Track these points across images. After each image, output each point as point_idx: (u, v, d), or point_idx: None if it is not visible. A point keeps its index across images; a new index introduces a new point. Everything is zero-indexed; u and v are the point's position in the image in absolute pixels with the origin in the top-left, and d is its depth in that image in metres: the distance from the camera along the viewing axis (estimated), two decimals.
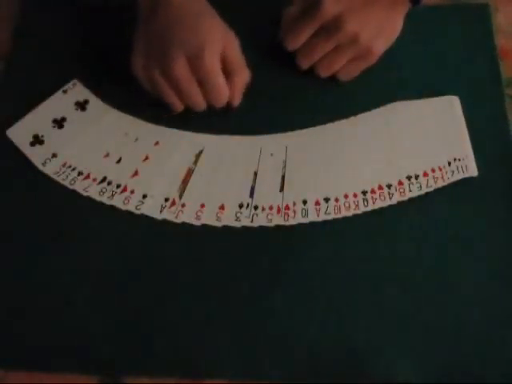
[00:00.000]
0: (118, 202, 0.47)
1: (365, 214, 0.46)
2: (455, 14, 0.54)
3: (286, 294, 0.44)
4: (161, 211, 0.47)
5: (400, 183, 0.47)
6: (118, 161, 0.49)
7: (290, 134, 0.50)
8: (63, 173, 0.48)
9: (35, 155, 0.49)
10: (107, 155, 0.49)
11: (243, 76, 0.48)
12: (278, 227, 0.46)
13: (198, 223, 0.46)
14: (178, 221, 0.46)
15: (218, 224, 0.46)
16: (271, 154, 0.49)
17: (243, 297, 0.44)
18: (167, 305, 0.44)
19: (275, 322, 0.43)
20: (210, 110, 0.50)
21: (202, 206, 0.47)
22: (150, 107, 0.51)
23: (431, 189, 0.46)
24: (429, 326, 0.42)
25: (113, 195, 0.47)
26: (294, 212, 0.46)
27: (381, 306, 0.43)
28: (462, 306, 0.43)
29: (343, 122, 0.50)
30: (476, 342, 0.42)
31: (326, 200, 0.46)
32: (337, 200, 0.46)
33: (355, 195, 0.46)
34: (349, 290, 0.44)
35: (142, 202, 0.47)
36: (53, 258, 0.46)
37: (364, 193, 0.46)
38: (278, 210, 0.46)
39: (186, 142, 0.49)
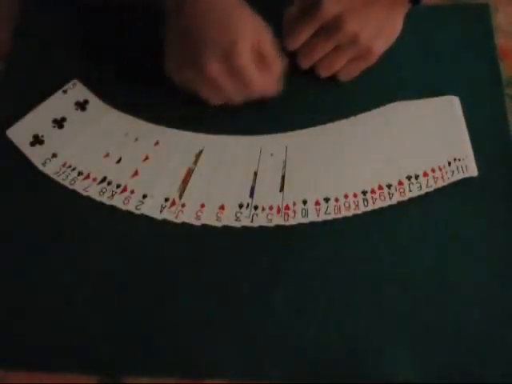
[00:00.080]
0: (118, 202, 0.47)
1: (365, 214, 0.46)
2: (455, 14, 0.54)
3: (285, 294, 0.44)
4: (161, 211, 0.47)
5: (400, 183, 0.47)
6: (118, 161, 0.49)
7: (290, 134, 0.50)
8: (63, 173, 0.48)
9: (35, 155, 0.49)
10: (107, 155, 0.49)
11: (277, 66, 0.47)
12: (278, 227, 0.46)
13: (197, 223, 0.46)
14: (178, 221, 0.46)
15: (218, 224, 0.46)
16: (271, 154, 0.49)
17: (243, 297, 0.44)
18: (167, 305, 0.44)
19: (275, 322, 0.43)
20: (209, 110, 0.50)
21: (202, 206, 0.47)
22: (150, 107, 0.51)
23: (431, 189, 0.46)
24: (429, 325, 0.42)
25: (113, 195, 0.47)
26: (294, 212, 0.46)
27: (381, 305, 0.43)
28: (462, 306, 0.43)
29: (343, 121, 0.50)
30: (476, 342, 0.42)
31: (326, 200, 0.46)
32: (337, 200, 0.46)
33: (355, 195, 0.46)
34: (349, 290, 0.44)
35: (142, 202, 0.47)
36: (53, 257, 0.46)
37: (364, 193, 0.46)
38: (278, 210, 0.46)
39: (186, 141, 0.49)
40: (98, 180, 0.48)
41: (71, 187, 0.48)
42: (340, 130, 0.50)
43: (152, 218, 0.47)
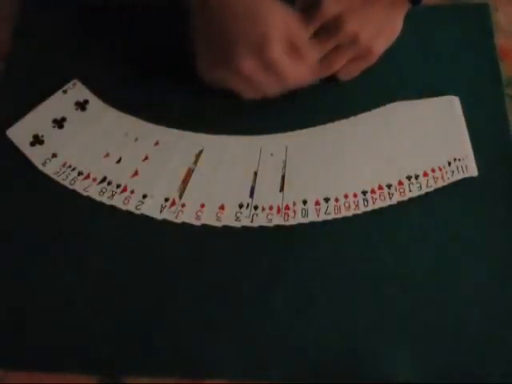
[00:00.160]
0: (118, 202, 0.47)
1: (365, 214, 0.46)
2: (455, 14, 0.54)
3: (285, 293, 0.44)
4: (161, 211, 0.47)
5: (400, 183, 0.47)
6: (118, 161, 0.49)
7: (289, 134, 0.50)
8: (63, 173, 0.48)
9: (35, 155, 0.49)
10: (107, 155, 0.49)
11: (310, 55, 0.46)
12: (278, 227, 0.46)
13: (198, 223, 0.46)
14: (178, 221, 0.46)
15: (218, 224, 0.46)
16: (271, 154, 0.49)
17: (243, 297, 0.44)
18: (167, 305, 0.44)
19: (275, 322, 0.43)
20: (209, 110, 0.50)
21: (202, 206, 0.47)
22: (150, 107, 0.51)
23: (431, 189, 0.46)
24: (429, 325, 0.42)
25: (113, 195, 0.47)
26: (294, 212, 0.46)
27: (381, 305, 0.43)
28: (462, 306, 0.43)
29: (343, 121, 0.50)
30: (476, 342, 0.42)
31: (326, 200, 0.46)
32: (337, 200, 0.46)
33: (355, 195, 0.46)
34: (349, 290, 0.44)
35: (142, 202, 0.47)
36: (53, 257, 0.46)
37: (364, 193, 0.46)
38: (278, 210, 0.46)
39: (186, 142, 0.49)
40: (98, 180, 0.48)
41: (71, 187, 0.48)
42: (340, 129, 0.50)
43: (152, 218, 0.47)
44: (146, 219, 0.46)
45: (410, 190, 0.46)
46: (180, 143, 0.49)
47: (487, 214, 0.46)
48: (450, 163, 0.47)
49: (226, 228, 0.46)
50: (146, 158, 0.49)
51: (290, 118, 0.50)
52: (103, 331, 0.43)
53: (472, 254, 0.45)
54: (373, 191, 0.46)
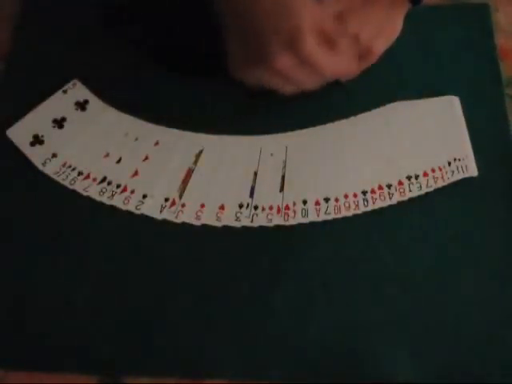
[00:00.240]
0: (118, 202, 0.47)
1: (365, 214, 0.46)
2: (455, 14, 0.54)
3: (285, 294, 0.44)
4: (161, 211, 0.47)
5: (400, 183, 0.47)
6: (118, 161, 0.49)
7: (290, 134, 0.50)
8: (63, 173, 0.48)
9: (35, 155, 0.49)
10: (107, 155, 0.49)
11: (345, 45, 0.45)
12: (278, 227, 0.46)
13: (198, 223, 0.46)
14: (178, 221, 0.46)
15: (218, 224, 0.46)
16: (271, 154, 0.49)
17: (243, 297, 0.44)
18: (167, 305, 0.44)
19: (275, 322, 0.43)
20: (209, 110, 0.50)
21: (202, 206, 0.47)
22: (150, 107, 0.51)
23: (431, 189, 0.46)
24: (429, 326, 0.42)
25: (113, 195, 0.47)
26: (294, 212, 0.46)
27: (381, 305, 0.43)
28: (462, 306, 0.43)
29: (343, 121, 0.50)
30: (476, 342, 0.42)
31: (326, 200, 0.46)
32: (337, 200, 0.46)
33: (355, 195, 0.46)
34: (349, 290, 0.44)
35: (142, 202, 0.47)
36: (53, 258, 0.46)
37: (364, 193, 0.46)
38: (278, 210, 0.46)
39: (186, 142, 0.49)
40: (98, 180, 0.48)
41: (71, 187, 0.48)
42: (340, 129, 0.50)
43: (152, 218, 0.47)
44: (146, 219, 0.46)
45: (410, 190, 0.46)
46: (180, 143, 0.49)
47: (487, 214, 0.46)
48: (450, 163, 0.47)
49: (225, 228, 0.46)
50: (146, 158, 0.49)
51: (290, 118, 0.50)
52: (103, 331, 0.43)
53: (472, 254, 0.45)
54: (373, 191, 0.46)
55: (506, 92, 0.51)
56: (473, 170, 0.47)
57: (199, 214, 0.46)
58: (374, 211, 0.46)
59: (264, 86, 0.47)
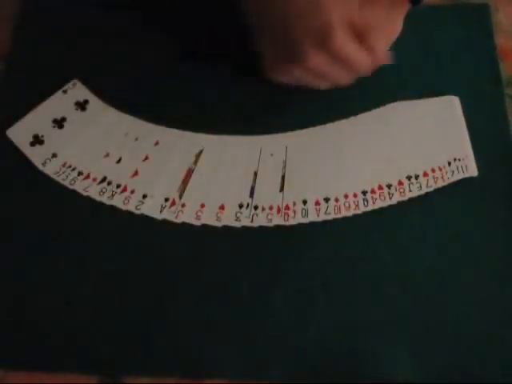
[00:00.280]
0: (118, 202, 0.47)
1: (365, 214, 0.46)
2: (455, 14, 0.54)
3: (285, 293, 0.44)
4: (161, 211, 0.47)
5: (400, 183, 0.47)
6: (118, 161, 0.49)
7: (290, 134, 0.50)
8: (63, 173, 0.48)
9: (35, 155, 0.49)
10: (107, 155, 0.49)
11: (377, 38, 0.44)
12: (278, 227, 0.46)
13: (198, 223, 0.46)
14: (178, 221, 0.46)
15: (218, 224, 0.46)
16: (271, 154, 0.49)
17: (243, 297, 0.44)
18: (167, 305, 0.44)
19: (275, 322, 0.43)
20: (209, 110, 0.50)
21: (202, 206, 0.47)
22: (150, 107, 0.51)
23: (431, 189, 0.46)
24: (429, 325, 0.42)
25: (113, 195, 0.47)
26: (294, 212, 0.46)
27: (381, 305, 0.43)
28: (462, 306, 0.43)
29: (343, 121, 0.50)
30: (476, 342, 0.42)
31: (326, 200, 0.46)
32: (337, 200, 0.46)
33: (355, 195, 0.46)
34: (349, 290, 0.44)
35: (142, 202, 0.47)
36: (53, 257, 0.46)
37: (364, 193, 0.46)
38: (278, 210, 0.46)
39: (186, 142, 0.49)
40: (98, 180, 0.48)
41: (71, 187, 0.48)
42: (340, 129, 0.50)
43: (152, 218, 0.46)
44: (146, 219, 0.46)
45: (410, 190, 0.46)
46: (180, 143, 0.49)
47: (487, 214, 0.46)
48: (450, 163, 0.47)
49: (225, 228, 0.46)
50: (146, 158, 0.49)
51: (290, 118, 0.50)
52: (103, 331, 0.43)
53: (472, 254, 0.45)
54: (373, 191, 0.46)
55: (506, 92, 0.51)
56: (473, 170, 0.47)
57: (199, 213, 0.46)
58: (374, 211, 0.46)
59: (299, 84, 0.47)
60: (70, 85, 0.52)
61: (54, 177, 0.48)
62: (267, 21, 0.44)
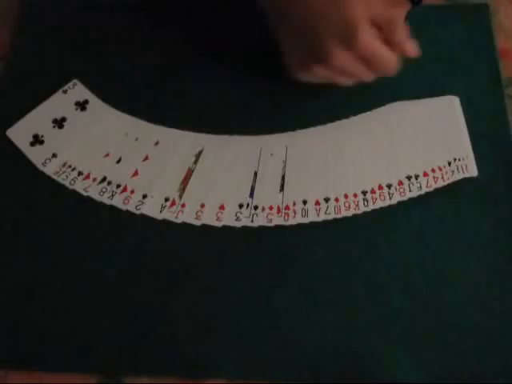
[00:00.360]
0: (117, 202, 0.47)
1: (365, 213, 0.46)
2: (455, 14, 0.54)
3: (285, 293, 0.44)
4: (161, 211, 0.47)
5: (400, 183, 0.47)
6: (118, 161, 0.49)
7: (290, 133, 0.50)
8: (63, 173, 0.48)
9: (35, 155, 0.49)
10: (107, 155, 0.49)
11: (401, 32, 0.44)
12: (278, 227, 0.46)
13: (198, 223, 0.46)
14: (178, 221, 0.46)
15: (218, 224, 0.46)
16: (271, 154, 0.49)
17: (243, 297, 0.44)
18: (167, 305, 0.44)
19: (275, 322, 0.43)
20: (209, 110, 0.50)
21: (202, 206, 0.47)
22: (150, 107, 0.51)
23: (431, 189, 0.46)
24: (429, 325, 0.42)
25: (113, 195, 0.47)
26: (294, 212, 0.46)
27: (381, 306, 0.43)
28: (462, 306, 0.43)
29: (343, 121, 0.50)
30: (476, 342, 0.42)
31: (326, 200, 0.46)
32: (337, 200, 0.46)
33: (355, 195, 0.46)
34: (349, 290, 0.44)
35: (142, 202, 0.47)
36: (53, 257, 0.46)
37: (364, 193, 0.46)
38: (278, 210, 0.46)
39: (186, 141, 0.49)
40: (98, 180, 0.48)
41: (71, 187, 0.48)
42: (340, 129, 0.50)
43: (152, 218, 0.47)
44: (145, 219, 0.46)
45: (410, 190, 0.46)
46: (180, 143, 0.49)
47: (487, 214, 0.46)
48: (450, 163, 0.47)
49: (225, 228, 0.46)
50: (146, 158, 0.49)
51: (290, 118, 0.50)
52: (103, 331, 0.43)
53: (472, 254, 0.45)
54: (373, 191, 0.46)
55: (506, 92, 0.51)
56: (473, 170, 0.47)
57: (199, 214, 0.46)
58: (374, 211, 0.46)
59: (323, 82, 0.47)
60: (70, 85, 0.52)
61: (54, 177, 0.48)
62: (290, 21, 0.44)
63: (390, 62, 0.44)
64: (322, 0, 0.42)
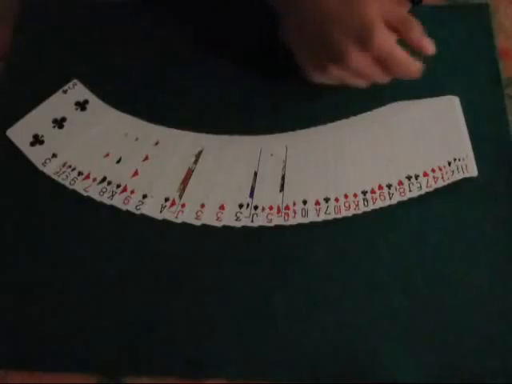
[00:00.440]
0: (117, 202, 0.47)
1: (365, 213, 0.46)
2: (455, 14, 0.54)
3: (285, 293, 0.44)
4: (161, 211, 0.47)
5: (400, 183, 0.47)
6: (118, 161, 0.49)
7: (290, 133, 0.50)
8: (63, 173, 0.48)
9: (35, 155, 0.49)
10: (107, 155, 0.49)
11: (416, 30, 0.43)
12: (278, 227, 0.46)
13: (198, 223, 0.46)
14: (178, 221, 0.46)
15: (218, 224, 0.46)
16: (271, 154, 0.49)
17: (243, 297, 0.44)
18: (167, 305, 0.44)
19: (275, 322, 0.43)
20: (209, 110, 0.50)
21: (202, 206, 0.47)
22: (150, 107, 0.51)
23: (431, 189, 0.46)
24: (429, 325, 0.42)
25: (113, 195, 0.47)
26: (294, 212, 0.46)
27: (381, 306, 0.43)
28: (462, 306, 0.43)
29: (343, 121, 0.50)
30: (476, 342, 0.42)
31: (326, 200, 0.46)
32: (337, 200, 0.46)
33: (355, 195, 0.46)
34: (349, 290, 0.44)
35: (142, 202, 0.47)
36: (53, 257, 0.46)
37: (364, 193, 0.46)
38: (278, 210, 0.46)
39: (186, 141, 0.49)
40: (98, 180, 0.48)
41: (71, 187, 0.48)
42: (340, 129, 0.50)
43: (152, 218, 0.47)
44: (146, 219, 0.46)
45: (410, 190, 0.46)
46: (180, 143, 0.49)
47: (487, 214, 0.46)
48: (450, 163, 0.47)
49: (225, 228, 0.46)
50: (146, 158, 0.49)
51: (290, 118, 0.50)
52: (103, 331, 0.43)
53: (472, 254, 0.45)
54: (373, 191, 0.46)
55: (506, 92, 0.51)
56: (473, 170, 0.47)
57: (199, 214, 0.46)
58: (374, 211, 0.46)
59: (338, 83, 0.47)
60: (70, 85, 0.52)
61: (54, 177, 0.48)
62: (304, 22, 0.44)
63: (405, 62, 0.44)
64: (337, 1, 0.42)
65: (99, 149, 0.49)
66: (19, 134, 0.50)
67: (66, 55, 0.54)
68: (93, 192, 0.47)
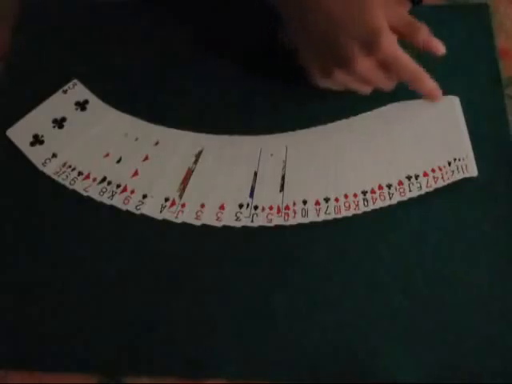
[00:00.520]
0: (117, 202, 0.47)
1: (365, 213, 0.46)
2: (455, 14, 0.54)
3: (285, 293, 0.44)
4: (161, 211, 0.47)
5: (400, 183, 0.47)
6: (118, 161, 0.49)
7: (290, 133, 0.50)
8: (63, 173, 0.48)
9: (35, 155, 0.49)
10: (107, 155, 0.49)
11: (423, 31, 0.43)
12: (278, 227, 0.46)
13: (198, 223, 0.46)
14: (178, 221, 0.46)
15: (218, 224, 0.46)
16: (271, 154, 0.49)
17: (243, 297, 0.44)
18: (167, 305, 0.44)
19: (275, 322, 0.43)
20: (209, 110, 0.50)
21: (202, 206, 0.47)
22: (150, 107, 0.51)
23: (431, 189, 0.46)
24: (429, 326, 0.42)
25: (113, 195, 0.47)
26: (294, 212, 0.46)
27: (381, 306, 0.43)
28: (462, 306, 0.43)
29: (343, 121, 0.50)
30: (476, 342, 0.42)
31: (326, 200, 0.46)
32: (337, 200, 0.46)
33: (355, 195, 0.46)
34: (349, 290, 0.44)
35: (142, 202, 0.47)
36: (53, 257, 0.46)
37: (364, 193, 0.46)
38: (278, 210, 0.46)
39: (186, 141, 0.49)
40: (98, 180, 0.48)
41: (71, 187, 0.48)
42: (340, 129, 0.50)
43: (152, 218, 0.47)
44: (146, 219, 0.46)
45: (410, 190, 0.46)
46: (180, 143, 0.49)
47: (487, 214, 0.46)
48: (449, 163, 0.47)
49: (225, 228, 0.46)
50: (146, 158, 0.49)
51: (290, 118, 0.50)
52: (103, 331, 0.43)
53: (472, 254, 0.45)
54: (373, 191, 0.46)
55: (506, 92, 0.51)
56: (473, 170, 0.47)
57: (199, 214, 0.46)
58: (374, 211, 0.46)
59: (344, 89, 0.47)
60: (70, 85, 0.52)
61: (54, 177, 0.48)
62: (310, 27, 0.44)
63: (410, 67, 0.44)
64: (342, 5, 0.42)
65: (99, 149, 0.49)
66: (19, 133, 0.50)
67: (66, 55, 0.54)
68: (93, 192, 0.47)
